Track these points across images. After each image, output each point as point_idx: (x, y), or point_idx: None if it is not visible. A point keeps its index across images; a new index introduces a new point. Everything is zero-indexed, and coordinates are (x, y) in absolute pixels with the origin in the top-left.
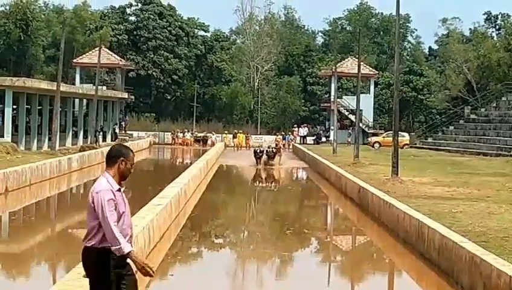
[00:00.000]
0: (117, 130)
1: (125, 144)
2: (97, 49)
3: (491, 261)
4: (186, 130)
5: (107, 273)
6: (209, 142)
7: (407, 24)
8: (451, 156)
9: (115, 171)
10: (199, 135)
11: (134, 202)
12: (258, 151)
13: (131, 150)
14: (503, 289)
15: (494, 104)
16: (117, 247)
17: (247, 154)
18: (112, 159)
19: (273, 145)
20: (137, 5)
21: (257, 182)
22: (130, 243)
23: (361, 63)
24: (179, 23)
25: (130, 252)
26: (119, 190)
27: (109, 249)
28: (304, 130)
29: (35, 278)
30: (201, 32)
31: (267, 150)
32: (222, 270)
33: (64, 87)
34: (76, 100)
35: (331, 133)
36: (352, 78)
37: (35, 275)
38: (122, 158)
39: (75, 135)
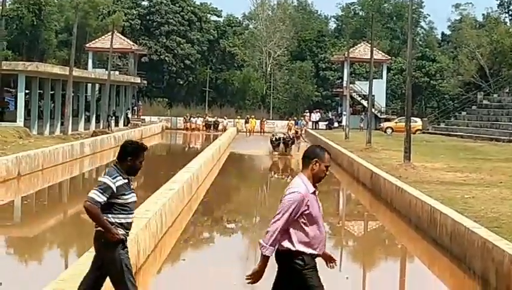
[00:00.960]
0: (129, 115)
1: (138, 128)
2: (110, 33)
3: (503, 246)
4: (198, 115)
5: (300, 275)
6: (220, 127)
7: (420, 9)
8: (464, 142)
9: (309, 173)
10: (210, 120)
11: (147, 186)
12: (275, 139)
13: (327, 151)
14: None
15: (507, 90)
16: (265, 244)
17: (260, 140)
18: (305, 160)
19: (292, 132)
20: None
21: (272, 172)
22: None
23: (374, 49)
24: (192, 8)
25: (266, 257)
26: (314, 193)
27: (302, 251)
28: (316, 116)
29: (48, 262)
30: (214, 17)
31: (283, 138)
32: (234, 256)
33: (76, 72)
34: (89, 85)
35: (344, 118)
36: (364, 64)
37: (48, 259)
38: (316, 159)
39: (88, 120)
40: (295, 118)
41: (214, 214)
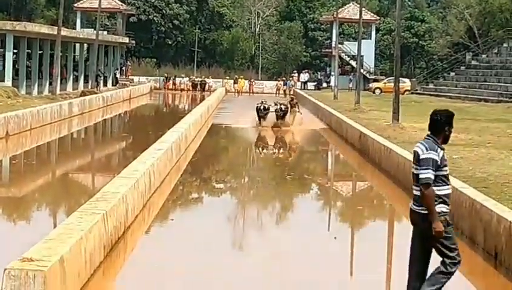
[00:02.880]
0: (118, 75)
1: (126, 88)
2: None
3: (491, 207)
4: (182, 75)
5: None
6: (206, 87)
7: None
8: (452, 102)
9: None
10: (197, 79)
11: (135, 146)
12: (263, 108)
13: None
14: (503, 234)
15: (496, 50)
16: None
17: (249, 103)
18: None
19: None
20: None
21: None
22: None
23: (363, 9)
24: None
25: None
26: None
27: None
28: (304, 76)
29: (36, 222)
30: None
31: (276, 109)
32: (222, 215)
33: (65, 32)
34: (77, 45)
35: (332, 78)
36: (353, 24)
37: (36, 219)
38: None
39: (76, 80)
40: (284, 79)
41: (203, 174)
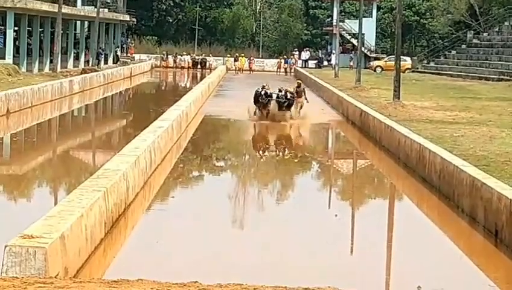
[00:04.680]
0: (119, 53)
1: (127, 66)
2: None
3: (492, 185)
4: (183, 53)
5: None
6: (207, 65)
7: None
8: (453, 81)
9: None
10: (197, 57)
11: (136, 124)
12: (263, 94)
13: None
14: (504, 212)
15: (497, 29)
16: None
17: (249, 82)
18: None
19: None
20: None
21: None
22: None
23: None
24: None
25: None
26: None
27: None
28: (305, 54)
29: (37, 199)
30: None
31: (278, 95)
32: (223, 193)
33: (65, 9)
34: (78, 22)
35: (333, 57)
36: (354, 2)
37: (37, 196)
38: None
39: (77, 57)
40: (285, 57)
41: (203, 152)
